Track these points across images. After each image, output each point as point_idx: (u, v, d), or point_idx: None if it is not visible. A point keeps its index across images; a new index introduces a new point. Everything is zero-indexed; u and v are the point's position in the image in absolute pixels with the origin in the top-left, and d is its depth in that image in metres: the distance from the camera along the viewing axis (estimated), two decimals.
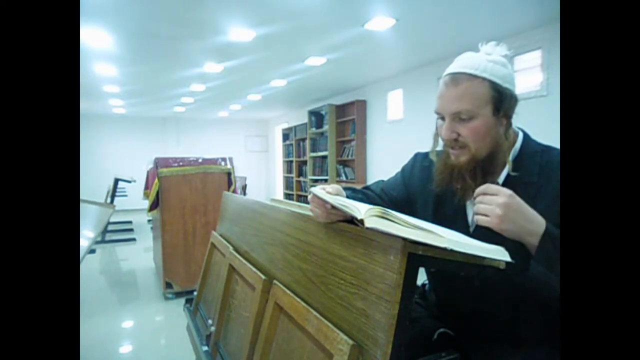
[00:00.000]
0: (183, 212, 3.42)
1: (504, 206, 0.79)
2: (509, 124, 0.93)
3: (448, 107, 0.90)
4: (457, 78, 0.90)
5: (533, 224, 0.80)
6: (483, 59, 0.90)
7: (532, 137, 0.99)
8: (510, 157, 0.94)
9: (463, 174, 0.93)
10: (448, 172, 0.96)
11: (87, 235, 2.66)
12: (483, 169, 0.93)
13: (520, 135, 0.98)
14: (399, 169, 1.21)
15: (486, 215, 0.80)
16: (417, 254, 0.64)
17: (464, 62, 0.91)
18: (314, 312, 0.82)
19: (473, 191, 0.93)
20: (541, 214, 0.86)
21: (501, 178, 0.94)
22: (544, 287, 0.80)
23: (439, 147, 1.03)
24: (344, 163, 6.87)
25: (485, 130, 0.90)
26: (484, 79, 0.88)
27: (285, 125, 9.48)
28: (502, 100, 0.89)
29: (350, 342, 0.69)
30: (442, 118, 0.94)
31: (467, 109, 0.88)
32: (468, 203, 1.00)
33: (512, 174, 0.91)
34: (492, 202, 0.80)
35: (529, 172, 0.91)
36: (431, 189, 1.03)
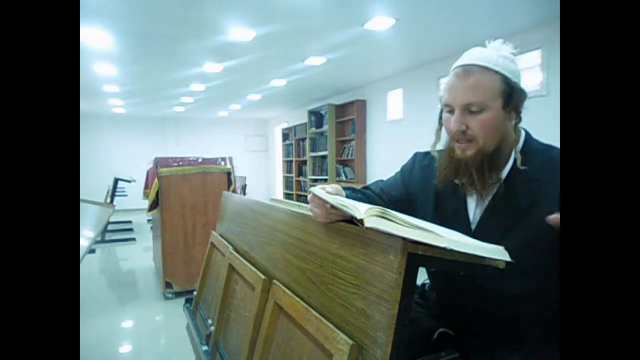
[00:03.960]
0: (183, 212, 3.42)
1: None
2: (519, 119, 0.94)
3: (460, 99, 0.91)
4: (469, 70, 0.90)
5: None
6: (494, 54, 0.91)
7: (534, 137, 0.99)
8: (513, 155, 0.95)
9: (470, 169, 0.93)
10: (454, 167, 0.96)
11: (87, 235, 2.66)
12: (490, 163, 0.93)
13: (523, 133, 0.98)
14: (399, 169, 1.21)
15: None
16: (417, 254, 0.64)
17: (475, 55, 0.92)
18: (314, 312, 0.82)
19: (479, 186, 0.93)
20: (542, 210, 0.87)
21: (504, 173, 0.95)
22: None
23: (440, 147, 1.03)
24: (344, 163, 6.87)
25: (495, 123, 0.90)
26: (496, 72, 0.89)
27: (285, 125, 9.48)
28: (512, 95, 0.90)
29: (350, 342, 0.69)
30: (450, 111, 0.94)
31: (479, 101, 0.88)
32: (470, 199, 0.99)
33: (522, 168, 0.91)
34: None
35: (531, 169, 0.92)
36: (431, 188, 1.03)
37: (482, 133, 0.91)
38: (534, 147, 0.96)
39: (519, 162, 0.92)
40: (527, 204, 0.90)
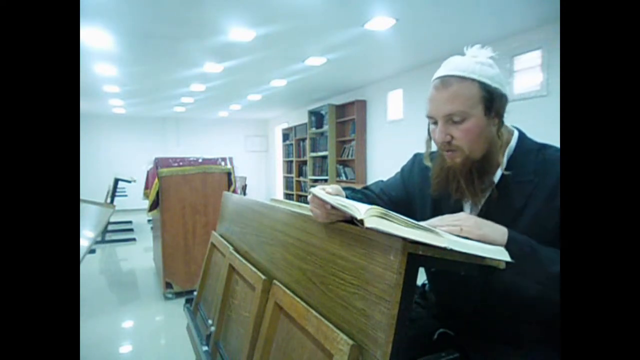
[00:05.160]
0: (183, 212, 3.42)
1: (469, 217, 0.82)
2: (501, 123, 0.94)
3: (441, 110, 0.91)
4: (446, 81, 0.91)
5: (500, 227, 0.82)
6: (470, 61, 0.91)
7: (529, 136, 0.99)
8: (506, 156, 0.95)
9: (458, 177, 0.94)
10: (444, 176, 0.97)
11: (87, 235, 2.67)
12: (479, 170, 0.93)
13: (516, 133, 0.99)
14: (398, 169, 1.22)
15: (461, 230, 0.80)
16: (417, 254, 0.64)
17: (452, 65, 0.92)
18: (314, 312, 0.82)
19: (468, 193, 0.94)
20: (537, 211, 0.88)
21: (496, 177, 0.95)
22: (511, 287, 0.82)
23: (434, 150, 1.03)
24: (344, 163, 6.87)
25: (479, 130, 0.90)
26: (473, 80, 0.89)
27: (285, 125, 9.48)
28: (492, 100, 0.90)
29: (350, 342, 0.69)
30: (435, 122, 0.95)
31: (460, 110, 0.89)
32: (465, 204, 1.00)
33: (505, 172, 0.92)
34: (457, 218, 0.82)
35: (524, 170, 0.92)
36: (429, 192, 1.03)
37: (467, 141, 0.91)
38: (526, 148, 0.96)
39: (502, 167, 0.93)
40: (520, 205, 0.91)
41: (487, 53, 0.94)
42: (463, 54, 0.96)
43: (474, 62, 0.91)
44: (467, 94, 0.89)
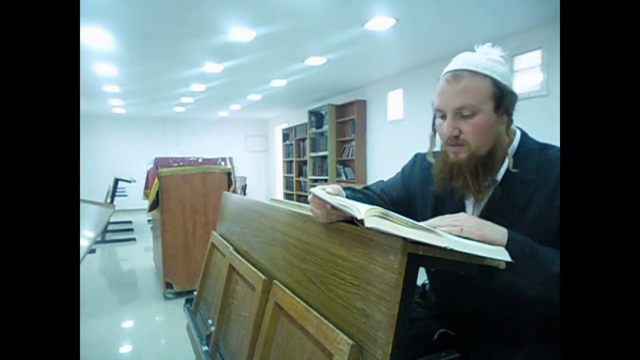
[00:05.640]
0: (183, 212, 3.42)
1: (470, 218, 0.82)
2: (510, 121, 0.94)
3: (451, 103, 0.91)
4: (459, 74, 0.91)
5: (500, 228, 0.82)
6: (482, 58, 0.92)
7: (530, 136, 0.99)
8: (508, 155, 0.95)
9: (463, 172, 0.93)
10: (448, 171, 0.96)
11: (87, 235, 2.67)
12: (483, 166, 0.93)
13: (518, 133, 0.99)
14: (399, 169, 1.21)
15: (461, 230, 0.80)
16: (417, 254, 0.64)
17: (464, 60, 0.92)
18: (314, 312, 0.82)
19: (473, 189, 0.94)
20: (539, 211, 0.87)
21: (500, 175, 0.95)
22: (511, 287, 0.82)
23: (437, 148, 1.03)
24: (344, 163, 6.88)
25: (487, 127, 0.90)
26: (485, 75, 0.89)
27: (285, 125, 9.48)
28: (502, 97, 0.90)
29: (350, 342, 0.69)
30: (442, 116, 0.94)
31: (470, 104, 0.89)
32: (468, 202, 1.00)
33: (513, 170, 0.92)
34: (457, 218, 0.82)
35: (526, 169, 0.92)
36: (431, 190, 1.03)
37: (475, 137, 0.91)
38: (529, 147, 0.96)
39: (510, 166, 0.92)
40: (522, 205, 0.91)
41: (498, 52, 0.94)
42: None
43: (486, 59, 0.91)
44: (479, 88, 0.89)
